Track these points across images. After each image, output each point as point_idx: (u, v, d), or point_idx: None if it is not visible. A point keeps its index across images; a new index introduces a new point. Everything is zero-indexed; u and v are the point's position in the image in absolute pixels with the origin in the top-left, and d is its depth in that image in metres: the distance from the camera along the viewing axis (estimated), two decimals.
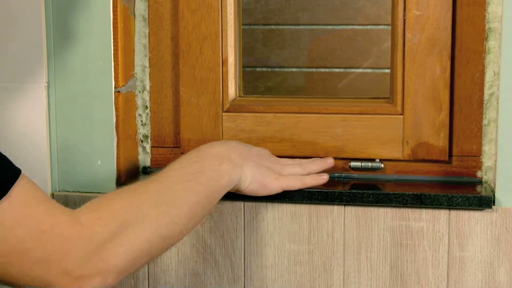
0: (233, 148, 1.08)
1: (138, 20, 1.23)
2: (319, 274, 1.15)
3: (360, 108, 1.18)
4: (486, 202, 1.08)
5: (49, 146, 1.19)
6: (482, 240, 1.09)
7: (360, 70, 1.84)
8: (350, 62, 1.85)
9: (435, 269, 1.11)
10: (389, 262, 1.13)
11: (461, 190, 1.11)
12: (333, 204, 1.13)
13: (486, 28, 1.12)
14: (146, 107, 1.24)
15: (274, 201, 1.14)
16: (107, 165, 1.19)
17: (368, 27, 1.80)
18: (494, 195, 1.10)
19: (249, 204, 1.15)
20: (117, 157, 1.19)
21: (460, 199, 1.08)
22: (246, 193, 1.09)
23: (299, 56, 1.88)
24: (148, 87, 1.24)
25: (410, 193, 1.09)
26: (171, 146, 1.24)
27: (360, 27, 1.81)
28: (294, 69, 1.89)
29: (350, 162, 1.18)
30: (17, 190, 0.83)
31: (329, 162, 1.15)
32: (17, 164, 0.86)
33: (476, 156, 1.15)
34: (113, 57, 1.17)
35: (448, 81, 1.13)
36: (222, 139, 1.21)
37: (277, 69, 1.88)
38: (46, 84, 1.18)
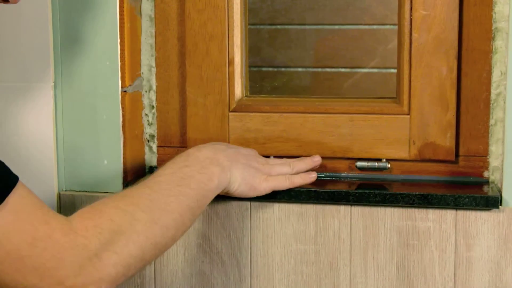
0: (221, 151, 1.09)
1: (145, 20, 1.23)
2: (326, 274, 1.15)
3: (367, 108, 1.17)
4: (493, 202, 1.07)
5: (55, 145, 1.19)
6: (489, 240, 1.09)
7: (366, 70, 1.84)
8: (356, 62, 1.85)
9: (442, 269, 1.11)
10: (395, 262, 1.12)
11: (468, 190, 1.10)
12: (340, 204, 1.13)
13: (493, 28, 1.12)
14: (153, 106, 1.25)
15: (281, 201, 1.14)
16: (113, 164, 1.19)
17: (374, 27, 1.80)
18: (501, 195, 1.09)
19: (255, 204, 1.15)
20: (123, 157, 1.20)
21: (467, 199, 1.08)
22: (235, 195, 1.09)
23: (305, 56, 1.88)
24: (154, 87, 1.24)
25: (417, 193, 1.09)
26: (178, 146, 1.24)
27: (366, 27, 1.81)
28: (300, 69, 1.89)
29: (356, 162, 1.18)
30: (14, 198, 0.84)
31: (316, 160, 1.16)
32: (23, 163, 0.86)
33: (483, 156, 1.15)
34: (120, 57, 1.17)
35: (455, 81, 1.13)
36: (229, 139, 1.21)
37: (283, 69, 1.88)
38: (53, 84, 1.18)
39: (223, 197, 1.10)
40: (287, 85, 1.86)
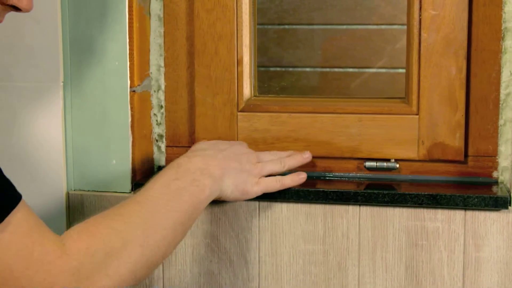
0: (212, 159, 1.08)
1: (154, 20, 1.23)
2: (334, 274, 1.15)
3: (376, 108, 1.17)
4: (502, 202, 1.07)
5: (64, 144, 1.19)
6: (498, 241, 1.09)
7: (374, 70, 1.83)
8: (364, 62, 1.85)
9: (450, 269, 1.11)
10: (404, 262, 1.12)
11: (477, 190, 1.10)
12: (348, 204, 1.13)
13: (502, 28, 1.11)
14: (161, 106, 1.25)
15: (290, 201, 1.14)
16: (122, 164, 1.19)
17: (383, 26, 1.80)
18: (510, 195, 1.09)
19: (264, 204, 1.15)
20: (132, 157, 1.20)
21: (476, 200, 1.07)
22: (228, 200, 1.11)
23: (313, 56, 1.87)
24: (163, 87, 1.24)
25: (426, 193, 1.09)
26: (186, 146, 1.24)
27: (374, 26, 1.81)
28: (308, 69, 1.89)
29: (365, 162, 1.18)
30: (14, 218, 0.84)
31: (306, 157, 1.16)
32: (32, 162, 0.86)
33: (492, 156, 1.15)
34: (129, 57, 1.17)
35: (464, 81, 1.13)
36: (237, 138, 1.21)
37: (291, 69, 1.88)
38: (62, 84, 1.18)
39: None
40: (295, 85, 1.85)
